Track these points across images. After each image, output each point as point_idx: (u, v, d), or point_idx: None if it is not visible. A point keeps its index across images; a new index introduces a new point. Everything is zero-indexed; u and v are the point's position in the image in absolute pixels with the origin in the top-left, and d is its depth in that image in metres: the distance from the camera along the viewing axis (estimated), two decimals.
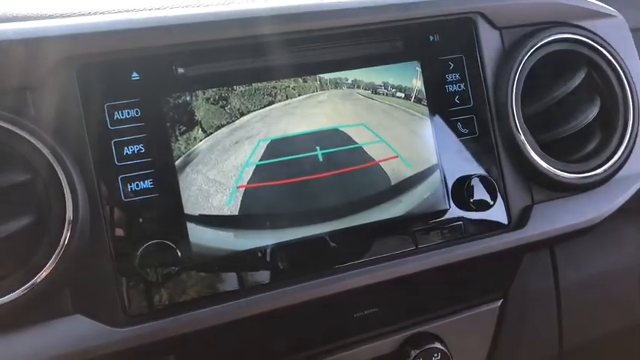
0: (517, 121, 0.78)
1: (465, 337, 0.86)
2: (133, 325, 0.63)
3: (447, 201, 0.76)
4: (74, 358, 0.61)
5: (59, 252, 0.61)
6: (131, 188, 0.65)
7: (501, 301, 0.89)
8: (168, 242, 0.64)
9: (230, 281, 0.67)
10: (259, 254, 0.69)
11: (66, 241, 0.61)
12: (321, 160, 0.71)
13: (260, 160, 0.69)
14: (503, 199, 0.78)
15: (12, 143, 0.61)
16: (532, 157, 0.78)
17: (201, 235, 0.66)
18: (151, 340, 0.63)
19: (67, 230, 0.61)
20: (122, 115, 0.65)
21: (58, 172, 0.61)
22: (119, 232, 0.64)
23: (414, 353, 0.81)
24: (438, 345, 0.82)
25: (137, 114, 0.65)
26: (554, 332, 0.92)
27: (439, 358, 0.82)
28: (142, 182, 0.65)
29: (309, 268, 0.70)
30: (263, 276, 0.69)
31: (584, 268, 0.95)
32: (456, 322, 0.85)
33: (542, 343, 0.92)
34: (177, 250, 0.64)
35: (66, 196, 0.61)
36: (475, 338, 0.87)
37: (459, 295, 0.85)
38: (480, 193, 0.76)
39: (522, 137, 0.78)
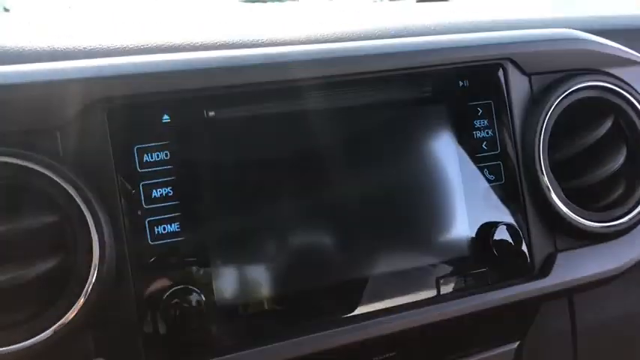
0: (543, 168, 0.77)
1: None
2: None
3: (471, 248, 0.75)
4: None
5: (85, 295, 0.60)
6: (158, 231, 0.64)
7: (517, 343, 0.88)
8: (194, 288, 0.64)
9: (255, 329, 0.67)
10: (283, 301, 0.69)
11: (91, 285, 0.60)
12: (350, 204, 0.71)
13: None
14: (527, 246, 0.77)
15: (41, 184, 0.61)
16: (557, 205, 0.77)
17: (228, 282, 0.66)
18: None
19: (93, 274, 0.60)
20: (151, 158, 0.65)
21: (86, 215, 0.61)
22: (144, 276, 0.64)
23: None
24: None
25: (167, 156, 0.65)
26: None
27: None
28: (169, 225, 0.65)
29: (330, 315, 0.70)
30: (285, 323, 0.68)
31: (603, 311, 0.95)
32: None
33: None
34: (203, 296, 0.64)
35: (93, 239, 0.61)
36: None
37: (476, 340, 0.84)
38: (505, 240, 0.75)
39: (548, 184, 0.77)
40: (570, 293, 0.85)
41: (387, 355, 0.77)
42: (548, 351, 0.92)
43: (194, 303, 0.64)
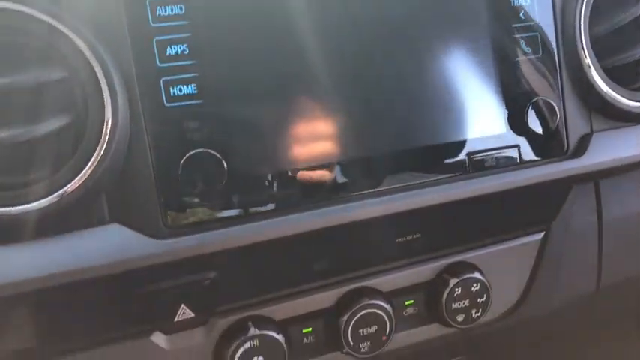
0: (584, 43, 0.72)
1: (504, 268, 0.83)
2: (174, 237, 0.60)
3: (503, 125, 0.71)
4: (111, 268, 0.58)
5: (97, 155, 0.57)
6: (174, 92, 0.60)
7: (543, 234, 0.85)
8: (213, 152, 0.60)
9: (274, 198, 0.64)
10: (307, 172, 0.65)
11: (104, 144, 0.57)
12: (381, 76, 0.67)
13: None
14: (562, 125, 0.73)
15: (50, 39, 0.56)
16: (596, 82, 0.73)
17: (247, 148, 0.63)
18: (192, 253, 0.60)
19: (106, 132, 0.57)
20: (165, 12, 0.59)
21: (97, 71, 0.56)
22: (160, 138, 0.60)
23: (452, 282, 0.78)
24: (477, 275, 0.79)
25: (181, 10, 0.60)
26: (593, 269, 0.90)
27: (477, 288, 0.79)
28: (185, 86, 0.60)
29: (358, 187, 0.67)
30: (309, 194, 0.65)
31: (629, 204, 0.92)
32: (495, 254, 0.82)
33: (579, 279, 0.90)
34: (223, 162, 0.60)
35: (104, 95, 0.57)
36: (513, 270, 0.85)
37: (502, 226, 0.82)
38: (539, 118, 0.71)
39: (588, 60, 0.72)
40: (604, 175, 0.82)
41: (411, 237, 0.75)
42: (573, 244, 0.89)
43: (213, 168, 0.60)
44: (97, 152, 0.57)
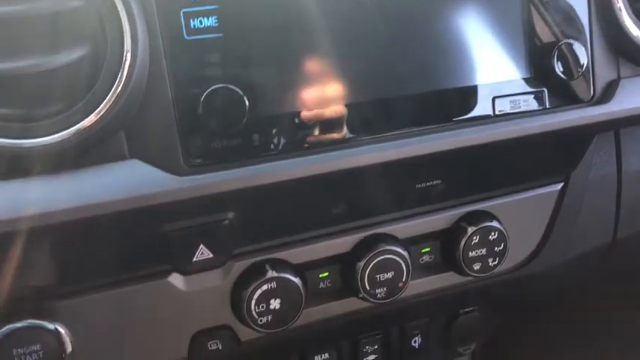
0: None
1: (522, 218, 0.83)
2: (194, 174, 0.59)
3: (529, 68, 0.69)
4: (130, 204, 0.57)
5: (116, 89, 0.55)
6: (194, 25, 0.58)
7: (561, 184, 0.84)
8: (234, 88, 0.59)
9: (297, 138, 0.63)
10: (328, 113, 0.63)
11: (123, 77, 0.55)
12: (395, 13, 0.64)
13: None
14: (589, 70, 0.71)
15: None
16: (627, 26, 0.70)
17: (269, 84, 0.61)
18: (211, 191, 0.59)
19: (125, 64, 0.55)
20: None
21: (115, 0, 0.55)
22: (180, 73, 0.58)
23: (470, 230, 0.77)
24: (495, 224, 0.79)
25: None
26: (610, 221, 0.89)
27: (495, 237, 0.79)
28: (206, 19, 0.58)
29: (381, 129, 0.65)
30: (330, 135, 0.64)
31: None
32: (514, 203, 0.81)
33: (596, 231, 0.89)
34: (245, 98, 0.59)
35: (123, 25, 0.55)
36: (531, 221, 0.84)
37: (522, 175, 0.80)
38: (566, 62, 0.69)
39: (619, 3, 0.70)
40: (630, 123, 0.80)
41: (431, 183, 0.74)
42: (591, 195, 0.88)
43: (233, 103, 0.59)
44: (115, 86, 0.55)
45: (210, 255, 0.65)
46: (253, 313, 0.69)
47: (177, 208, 0.59)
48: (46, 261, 0.61)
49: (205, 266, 0.66)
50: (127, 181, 0.57)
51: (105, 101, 0.55)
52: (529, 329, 1.23)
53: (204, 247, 0.65)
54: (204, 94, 0.58)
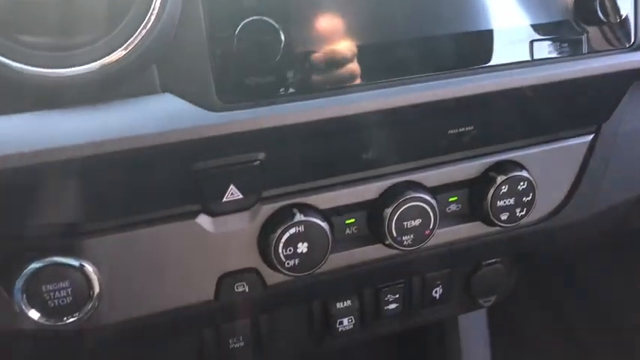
0: None
1: (551, 169, 0.81)
2: (227, 110, 0.58)
3: (570, 10, 0.67)
4: (162, 139, 0.55)
5: (148, 21, 0.53)
6: None
7: (592, 136, 0.83)
8: (270, 21, 0.57)
9: (333, 76, 0.61)
10: (365, 52, 0.62)
11: (156, 9, 0.53)
12: None
13: None
14: (632, 14, 0.69)
15: None
16: None
17: (307, 19, 0.59)
18: (244, 128, 0.58)
19: None
20: None
21: None
22: (215, 4, 0.56)
23: (499, 179, 0.76)
24: (524, 174, 0.77)
25: None
26: (639, 174, 0.88)
27: (524, 187, 0.77)
28: None
29: (420, 69, 0.63)
30: (369, 74, 0.62)
31: None
32: (543, 153, 0.80)
33: (625, 184, 0.88)
34: (281, 32, 0.57)
35: None
36: (560, 172, 0.83)
37: (553, 124, 0.79)
38: (608, 5, 0.67)
39: None
40: None
41: (464, 129, 0.72)
42: (622, 148, 0.87)
43: (269, 37, 0.57)
44: (147, 18, 0.53)
45: (240, 196, 0.64)
46: (281, 256, 0.68)
47: (209, 146, 0.58)
48: (74, 197, 0.60)
49: (234, 207, 0.65)
50: (159, 115, 0.55)
51: (136, 33, 0.53)
52: (543, 289, 1.24)
53: (234, 188, 0.64)
54: (239, 26, 0.56)
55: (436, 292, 0.92)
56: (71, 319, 0.64)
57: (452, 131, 0.71)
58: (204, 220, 0.66)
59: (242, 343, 0.81)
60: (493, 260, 0.92)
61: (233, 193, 0.64)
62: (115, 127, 0.54)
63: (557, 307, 1.26)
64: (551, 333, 1.26)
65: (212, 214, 0.66)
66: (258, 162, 0.63)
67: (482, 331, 1.21)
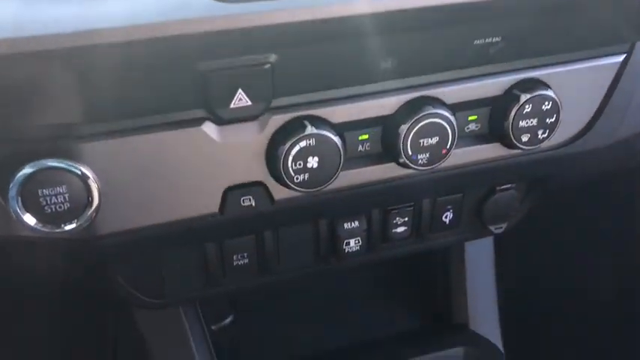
0: None
1: (577, 90, 0.77)
2: (239, 1, 0.52)
3: None
4: (169, 29, 0.51)
5: None
6: None
7: (624, 56, 0.78)
8: None
9: None
10: None
11: None
12: None
13: None
14: None
15: None
16: None
17: None
18: (257, 23, 0.53)
19: None
20: None
21: None
22: None
23: (523, 98, 0.71)
24: (550, 93, 0.73)
25: None
26: None
27: (549, 107, 0.73)
28: None
29: None
30: None
31: None
32: (571, 73, 0.75)
33: None
34: None
35: None
36: (586, 93, 0.78)
37: (584, 40, 0.73)
38: None
39: None
40: None
41: (491, 40, 0.67)
42: None
43: None
44: None
45: (249, 102, 0.60)
46: (290, 170, 0.65)
47: (216, 41, 0.53)
48: (67, 94, 0.55)
49: (242, 115, 0.61)
50: (163, 3, 0.50)
51: None
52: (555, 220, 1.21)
53: (242, 93, 0.59)
54: None
55: (446, 216, 0.89)
56: (69, 226, 0.61)
57: (478, 41, 0.66)
58: (210, 128, 0.62)
59: (246, 260, 0.79)
60: (507, 186, 0.88)
61: (241, 99, 0.59)
62: (113, 15, 0.49)
63: (560, 234, 1.25)
64: (556, 260, 1.25)
65: (219, 121, 0.62)
66: (269, 65, 0.59)
67: (488, 259, 1.19)
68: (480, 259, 1.17)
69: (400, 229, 0.87)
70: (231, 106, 0.59)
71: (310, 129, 0.64)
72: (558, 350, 1.31)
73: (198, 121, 0.62)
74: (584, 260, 1.22)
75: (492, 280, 1.19)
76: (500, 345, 1.17)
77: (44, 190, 0.58)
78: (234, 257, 0.79)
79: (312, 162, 0.65)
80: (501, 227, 0.93)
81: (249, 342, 1.16)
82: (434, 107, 0.68)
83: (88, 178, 0.60)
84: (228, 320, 1.19)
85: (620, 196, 1.14)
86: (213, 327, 1.18)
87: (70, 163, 0.59)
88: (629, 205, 1.13)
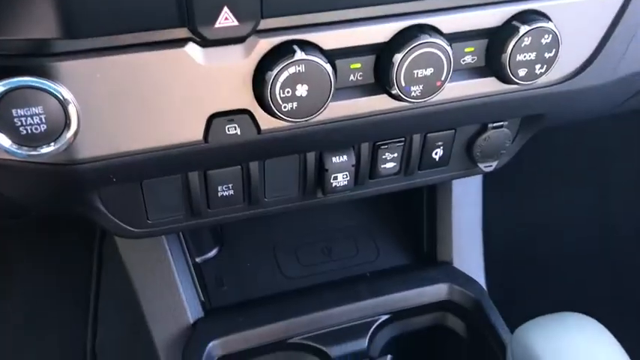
0: None
1: (577, 25, 0.73)
2: None
3: None
4: None
5: None
6: None
7: None
8: None
9: None
10: None
11: None
12: None
13: None
14: None
15: None
16: None
17: None
18: None
19: None
20: None
21: None
22: None
23: (523, 30, 0.68)
24: (550, 26, 0.70)
25: None
26: None
27: (548, 41, 0.70)
28: None
29: None
30: None
31: None
32: (572, 5, 0.71)
33: None
34: None
35: None
36: (587, 28, 0.75)
37: None
38: None
39: None
40: None
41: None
42: None
43: None
44: None
45: (235, 22, 0.56)
46: (277, 97, 0.62)
47: None
48: (44, 7, 0.52)
49: (228, 35, 0.57)
50: None
51: None
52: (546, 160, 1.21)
53: (228, 11, 0.56)
54: None
55: (436, 153, 0.87)
56: (46, 149, 0.58)
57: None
58: (193, 50, 0.59)
59: (232, 192, 0.77)
60: (500, 124, 0.86)
61: (227, 18, 0.56)
62: None
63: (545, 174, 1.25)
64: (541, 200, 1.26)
65: (203, 42, 0.59)
66: None
67: (475, 199, 1.19)
68: (467, 199, 1.17)
69: (389, 165, 0.86)
70: (216, 25, 0.56)
71: (300, 54, 0.61)
72: (542, 287, 1.34)
73: (181, 42, 0.58)
74: (569, 199, 1.23)
75: (479, 221, 1.19)
76: (483, 283, 1.18)
77: (19, 110, 0.55)
78: (219, 188, 0.77)
79: (301, 90, 0.62)
80: (491, 165, 0.91)
81: (233, 275, 1.16)
82: (430, 36, 0.65)
83: (65, 99, 0.57)
84: (212, 253, 1.19)
85: (604, 138, 1.13)
86: (197, 259, 1.18)
87: (45, 82, 0.55)
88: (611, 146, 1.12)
